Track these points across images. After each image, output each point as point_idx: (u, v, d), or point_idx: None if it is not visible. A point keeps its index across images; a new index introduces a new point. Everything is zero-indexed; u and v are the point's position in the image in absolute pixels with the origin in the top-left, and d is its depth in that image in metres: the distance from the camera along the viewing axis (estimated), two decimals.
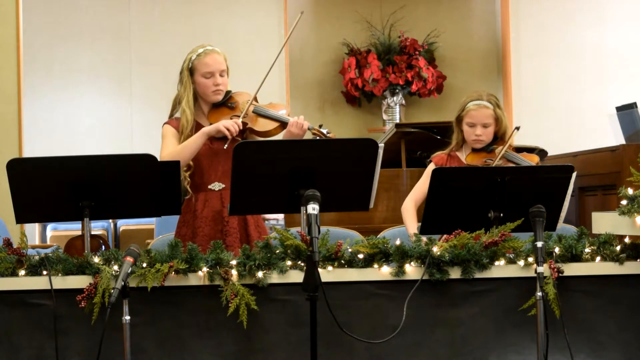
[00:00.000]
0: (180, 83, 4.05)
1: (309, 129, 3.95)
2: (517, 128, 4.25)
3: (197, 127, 4.00)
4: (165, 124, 4.05)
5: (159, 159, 3.60)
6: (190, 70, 4.03)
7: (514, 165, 4.17)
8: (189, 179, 3.99)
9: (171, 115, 4.08)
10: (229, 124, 3.89)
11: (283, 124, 3.99)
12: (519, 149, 4.51)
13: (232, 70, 4.11)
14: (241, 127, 3.92)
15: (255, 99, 4.06)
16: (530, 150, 5.96)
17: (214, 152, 3.98)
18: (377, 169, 3.51)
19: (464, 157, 4.30)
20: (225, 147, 3.89)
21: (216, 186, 4.00)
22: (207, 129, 3.92)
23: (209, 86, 4.01)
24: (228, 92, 4.07)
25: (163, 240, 4.10)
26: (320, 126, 3.96)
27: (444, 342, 3.32)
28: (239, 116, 3.98)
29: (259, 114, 4.02)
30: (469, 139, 4.28)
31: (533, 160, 4.24)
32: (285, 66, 9.01)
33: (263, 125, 4.00)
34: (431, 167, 4.29)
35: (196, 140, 3.91)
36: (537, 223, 3.20)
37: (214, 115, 4.03)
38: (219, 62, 4.02)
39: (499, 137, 4.27)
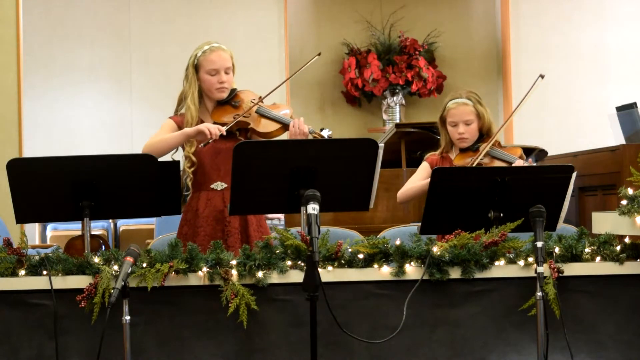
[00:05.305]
0: (186, 79, 4.02)
1: (310, 132, 3.90)
2: (542, 76, 4.09)
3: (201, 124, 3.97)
4: (169, 117, 4.03)
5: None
6: (196, 67, 4.00)
7: (498, 161, 4.16)
8: (192, 176, 3.96)
9: (176, 112, 4.05)
10: (211, 126, 3.83)
11: (285, 126, 3.95)
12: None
13: None
14: (224, 133, 3.84)
15: (260, 99, 4.02)
16: (530, 150, 5.97)
17: (217, 151, 3.95)
18: (377, 169, 3.51)
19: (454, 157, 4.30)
20: (201, 146, 3.87)
21: (218, 185, 3.98)
22: (188, 130, 3.86)
23: (214, 83, 3.98)
24: (233, 90, 4.04)
25: (163, 240, 4.09)
26: (322, 129, 3.92)
27: (444, 342, 3.31)
28: (239, 115, 3.94)
29: (262, 114, 3.98)
30: (453, 138, 4.27)
31: (516, 152, 4.23)
32: (285, 66, 9.00)
33: (265, 126, 3.96)
34: (424, 165, 4.29)
35: (175, 138, 3.87)
36: (537, 223, 3.19)
37: (218, 113, 4.00)
38: (224, 60, 3.99)
39: (484, 134, 4.26)
